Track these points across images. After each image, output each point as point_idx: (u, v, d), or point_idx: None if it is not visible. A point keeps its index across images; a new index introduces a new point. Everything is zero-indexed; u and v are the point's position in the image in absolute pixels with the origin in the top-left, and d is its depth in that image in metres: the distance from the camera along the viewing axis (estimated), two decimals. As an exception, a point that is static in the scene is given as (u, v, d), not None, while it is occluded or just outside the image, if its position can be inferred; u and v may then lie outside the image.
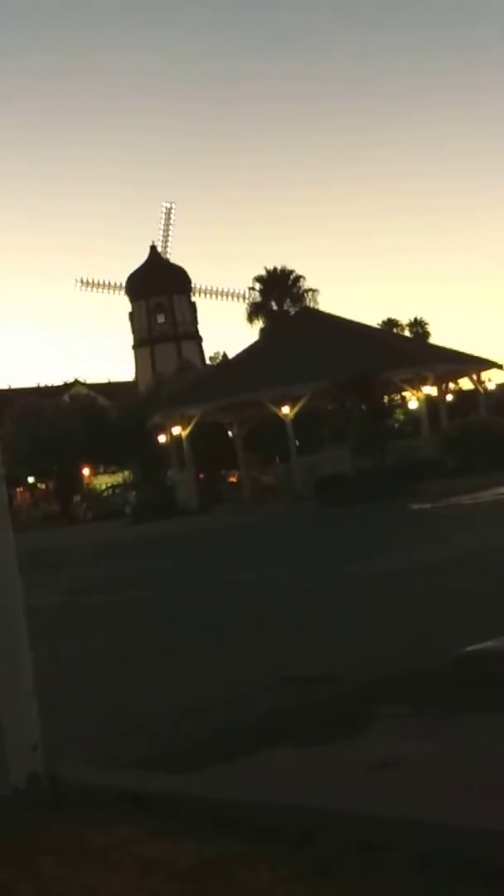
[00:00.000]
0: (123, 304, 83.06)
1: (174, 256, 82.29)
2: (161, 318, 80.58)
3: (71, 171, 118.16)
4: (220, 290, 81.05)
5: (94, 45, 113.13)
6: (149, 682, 6.88)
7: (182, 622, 9.75)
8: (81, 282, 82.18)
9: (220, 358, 69.92)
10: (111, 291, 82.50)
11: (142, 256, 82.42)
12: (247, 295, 63.69)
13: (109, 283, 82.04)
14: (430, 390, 37.62)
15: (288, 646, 7.47)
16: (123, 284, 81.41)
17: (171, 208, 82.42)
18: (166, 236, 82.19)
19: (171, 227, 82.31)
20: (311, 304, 59.68)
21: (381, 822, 3.21)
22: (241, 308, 65.09)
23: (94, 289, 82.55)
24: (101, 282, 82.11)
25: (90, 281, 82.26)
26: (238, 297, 76.49)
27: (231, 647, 7.75)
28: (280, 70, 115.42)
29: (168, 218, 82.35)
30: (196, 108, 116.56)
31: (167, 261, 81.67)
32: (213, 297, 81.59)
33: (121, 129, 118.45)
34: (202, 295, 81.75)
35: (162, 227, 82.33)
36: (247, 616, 9.36)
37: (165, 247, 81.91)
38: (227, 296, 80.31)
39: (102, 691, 6.80)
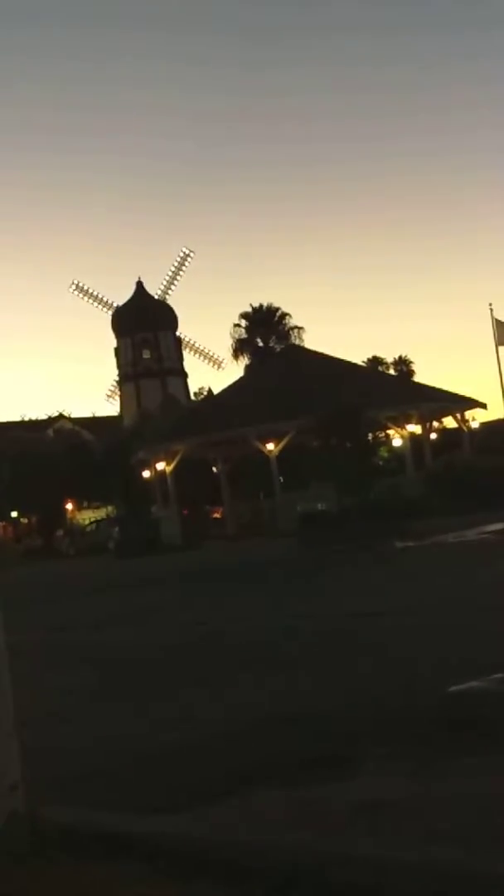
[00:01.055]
0: (109, 338, 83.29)
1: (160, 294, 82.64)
2: (146, 354, 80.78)
3: (61, 200, 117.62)
4: (203, 349, 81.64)
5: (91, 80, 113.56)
6: (132, 720, 6.82)
7: (166, 660, 9.68)
8: (77, 286, 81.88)
9: (206, 394, 70.02)
10: (101, 307, 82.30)
11: (128, 289, 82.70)
12: (232, 332, 63.85)
13: (101, 299, 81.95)
14: (415, 428, 37.74)
15: (271, 686, 7.42)
16: (112, 306, 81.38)
17: (187, 255, 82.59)
18: (172, 280, 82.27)
19: (180, 274, 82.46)
20: (297, 342, 59.89)
21: (367, 862, 3.18)
22: (228, 345, 65.19)
23: (87, 298, 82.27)
24: (94, 294, 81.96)
25: (84, 289, 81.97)
26: (214, 362, 77.50)
27: (214, 687, 7.70)
28: (270, 105, 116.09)
29: (181, 264, 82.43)
30: (185, 144, 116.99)
31: (153, 298, 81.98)
32: (197, 354, 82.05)
33: (116, 158, 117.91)
34: (191, 351, 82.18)
35: (171, 270, 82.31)
36: (229, 656, 9.31)
37: (168, 289, 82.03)
38: (206, 357, 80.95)
39: (84, 730, 6.73)
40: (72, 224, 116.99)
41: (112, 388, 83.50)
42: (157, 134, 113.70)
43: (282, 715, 6.18)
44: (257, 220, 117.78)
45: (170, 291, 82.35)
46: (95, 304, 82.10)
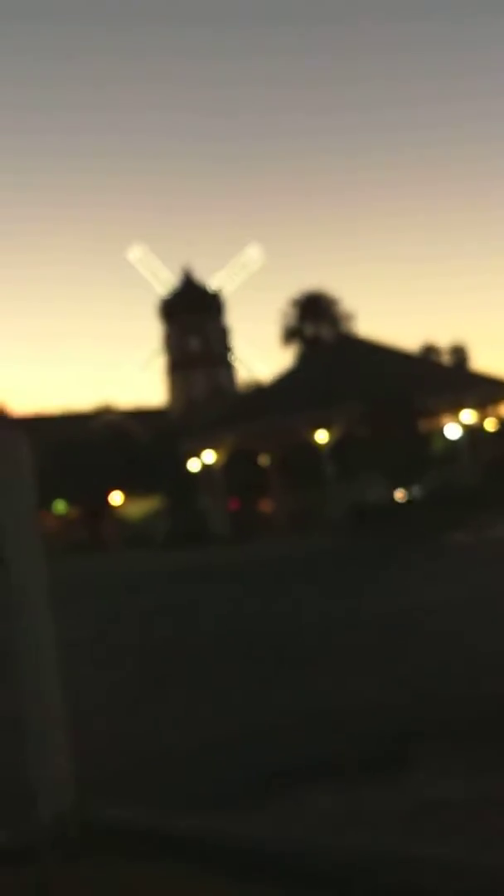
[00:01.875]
0: (157, 325, 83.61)
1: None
2: (195, 343, 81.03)
3: (113, 175, 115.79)
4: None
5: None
6: (177, 716, 6.82)
7: (217, 653, 9.67)
8: (139, 255, 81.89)
9: (255, 383, 70.02)
10: (157, 282, 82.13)
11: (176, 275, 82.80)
12: (282, 319, 63.77)
13: (158, 273, 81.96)
14: (470, 417, 37.40)
15: (321, 681, 7.38)
16: (167, 284, 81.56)
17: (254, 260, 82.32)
18: (230, 276, 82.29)
19: (240, 273, 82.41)
20: (348, 329, 59.65)
21: (425, 864, 3.14)
22: (277, 332, 65.13)
23: (146, 269, 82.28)
24: (153, 266, 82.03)
25: (145, 259, 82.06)
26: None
27: (261, 682, 7.67)
28: (327, 79, 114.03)
29: (246, 266, 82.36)
30: (222, 122, 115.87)
31: (202, 284, 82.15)
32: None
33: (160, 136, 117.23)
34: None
35: (236, 268, 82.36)
36: (275, 652, 9.27)
37: (223, 283, 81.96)
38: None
39: (129, 726, 6.74)
40: (124, 201, 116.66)
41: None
42: (211, 110, 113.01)
43: (337, 710, 6.14)
44: (311, 204, 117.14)
45: (224, 285, 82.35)
46: (153, 277, 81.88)
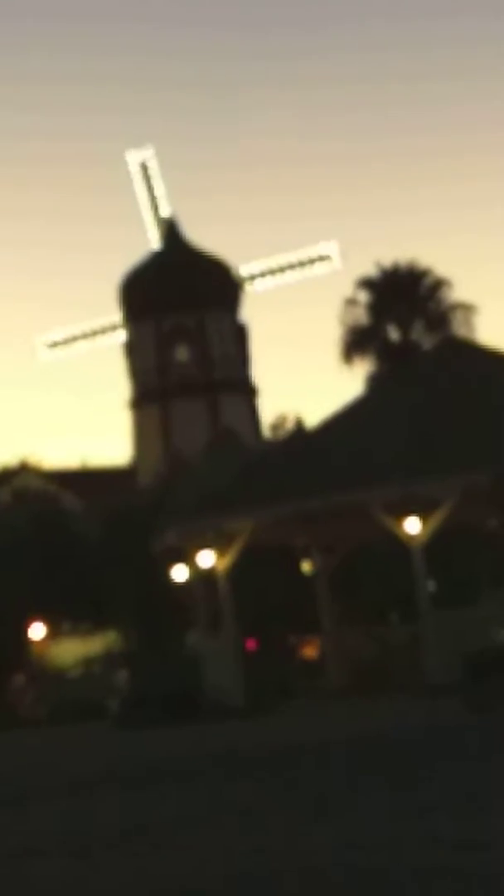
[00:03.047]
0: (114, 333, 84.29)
1: (209, 241, 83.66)
2: (183, 354, 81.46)
3: None
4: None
5: None
6: None
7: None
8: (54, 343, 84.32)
9: (291, 426, 70.26)
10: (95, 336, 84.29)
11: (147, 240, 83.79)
12: (343, 314, 64.06)
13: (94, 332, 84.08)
14: None
15: None
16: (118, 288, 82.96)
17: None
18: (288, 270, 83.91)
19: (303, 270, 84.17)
20: (463, 332, 59.96)
21: None
22: (333, 337, 65.35)
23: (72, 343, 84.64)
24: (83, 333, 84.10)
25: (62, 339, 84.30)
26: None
27: None
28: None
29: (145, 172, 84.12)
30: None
31: (197, 250, 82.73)
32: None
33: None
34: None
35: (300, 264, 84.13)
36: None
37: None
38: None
39: None
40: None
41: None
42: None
43: None
44: (390, 138, 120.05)
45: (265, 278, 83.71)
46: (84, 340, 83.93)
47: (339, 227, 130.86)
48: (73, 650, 60.48)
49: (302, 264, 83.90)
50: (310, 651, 45.72)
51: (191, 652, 42.70)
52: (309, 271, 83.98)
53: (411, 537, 35.57)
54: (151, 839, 14.41)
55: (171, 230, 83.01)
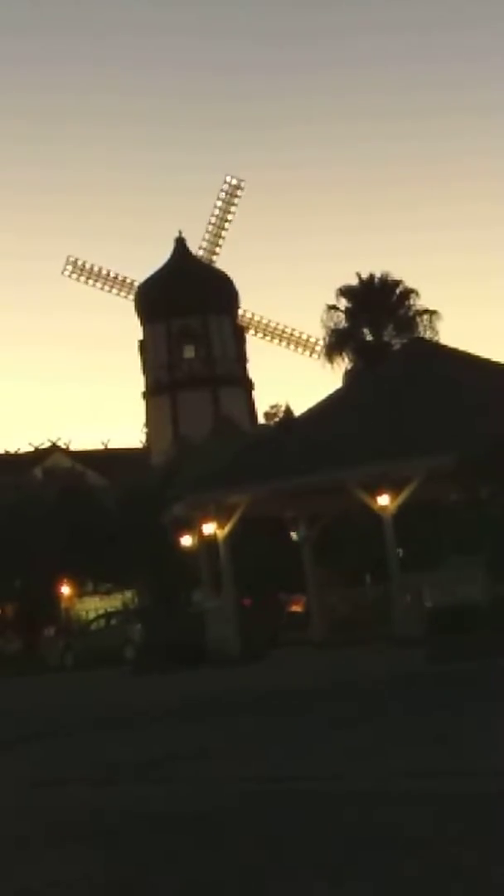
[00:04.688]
0: (131, 331, 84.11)
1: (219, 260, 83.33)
2: (190, 352, 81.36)
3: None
4: (280, 328, 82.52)
5: None
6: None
7: (205, 839, 9.70)
8: (73, 265, 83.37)
9: (281, 415, 70.22)
10: (117, 290, 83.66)
11: (162, 254, 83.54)
12: (325, 318, 63.89)
13: (115, 278, 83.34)
14: None
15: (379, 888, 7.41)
16: (132, 287, 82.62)
17: (236, 187, 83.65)
18: (219, 227, 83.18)
19: (229, 216, 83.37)
20: (428, 334, 59.82)
21: None
22: (317, 336, 65.25)
23: (91, 279, 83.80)
24: (103, 272, 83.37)
25: (85, 267, 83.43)
26: (304, 345, 78.37)
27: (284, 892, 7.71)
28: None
29: (230, 200, 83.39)
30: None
31: (202, 262, 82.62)
32: (272, 337, 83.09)
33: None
34: (256, 331, 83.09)
35: (216, 213, 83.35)
36: (307, 841, 9.31)
37: (213, 247, 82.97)
38: (289, 340, 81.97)
39: None
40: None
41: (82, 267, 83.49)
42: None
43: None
44: (366, 161, 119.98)
45: (217, 248, 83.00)
46: (105, 286, 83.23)
47: (326, 243, 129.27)
48: (95, 606, 60.54)
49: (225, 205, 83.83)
50: (297, 607, 45.73)
51: (196, 608, 42.70)
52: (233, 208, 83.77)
53: (383, 510, 35.61)
54: (165, 770, 14.34)
55: (180, 247, 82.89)
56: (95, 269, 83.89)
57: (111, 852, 9.63)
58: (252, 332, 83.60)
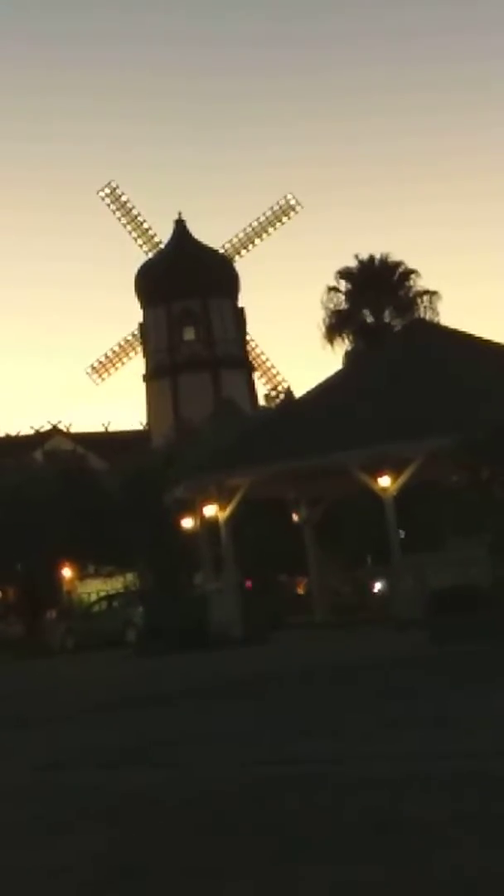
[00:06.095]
0: (131, 314, 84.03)
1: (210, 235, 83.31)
2: (190, 334, 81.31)
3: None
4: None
5: None
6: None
7: (208, 820, 9.69)
8: (111, 192, 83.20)
9: (282, 397, 70.19)
10: (137, 236, 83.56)
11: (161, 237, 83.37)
12: (326, 300, 63.86)
13: (142, 223, 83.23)
14: None
15: (389, 874, 7.38)
16: (156, 244, 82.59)
17: (292, 207, 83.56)
18: (255, 236, 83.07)
19: (268, 230, 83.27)
20: (428, 315, 59.83)
21: None
22: (316, 320, 65.17)
23: (121, 213, 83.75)
24: (134, 211, 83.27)
25: (121, 199, 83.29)
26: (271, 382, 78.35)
27: (288, 872, 7.68)
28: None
29: (280, 217, 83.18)
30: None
31: (201, 245, 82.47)
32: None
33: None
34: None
35: (262, 222, 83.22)
36: (313, 820, 9.29)
37: (240, 249, 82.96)
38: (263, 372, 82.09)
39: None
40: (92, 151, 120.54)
41: (100, 363, 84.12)
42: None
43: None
44: (365, 140, 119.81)
45: (244, 251, 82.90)
46: (130, 226, 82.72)
47: (325, 223, 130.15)
48: (97, 589, 60.65)
49: (271, 221, 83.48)
50: (299, 589, 45.78)
51: (198, 590, 42.74)
52: (279, 225, 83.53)
53: (384, 491, 35.64)
54: (168, 752, 14.33)
55: (179, 228, 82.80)
56: (129, 204, 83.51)
57: (113, 834, 9.63)
58: (238, 256, 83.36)
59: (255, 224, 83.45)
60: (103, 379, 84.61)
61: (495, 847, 7.63)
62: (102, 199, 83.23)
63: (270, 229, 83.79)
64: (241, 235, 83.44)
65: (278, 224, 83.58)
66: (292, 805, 10.10)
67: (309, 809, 9.78)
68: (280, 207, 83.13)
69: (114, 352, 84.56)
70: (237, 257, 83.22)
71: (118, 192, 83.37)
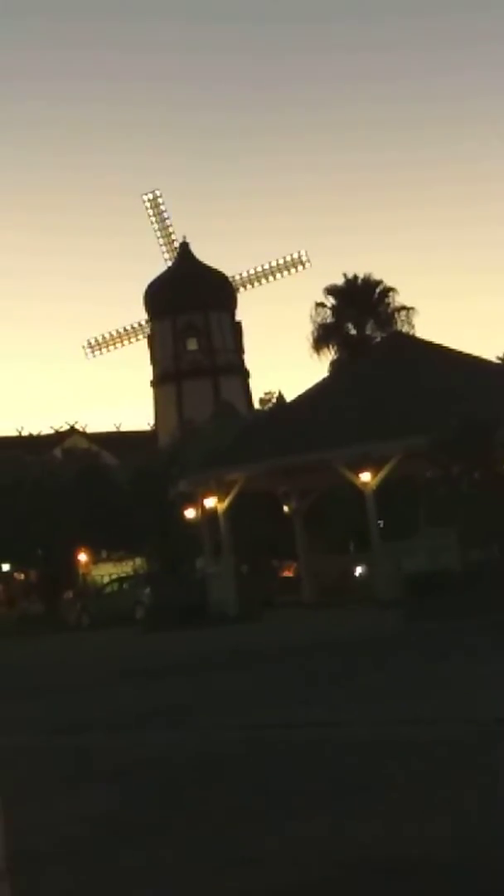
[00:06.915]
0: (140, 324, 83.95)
1: (210, 258, 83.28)
2: (193, 345, 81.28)
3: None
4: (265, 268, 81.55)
5: None
6: (171, 878, 6.94)
7: (214, 779, 9.78)
8: (153, 200, 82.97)
9: (275, 401, 70.17)
10: (130, 340, 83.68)
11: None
12: (314, 314, 63.88)
13: (126, 331, 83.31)
14: None
15: (363, 825, 7.51)
16: (173, 244, 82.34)
17: (156, 199, 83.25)
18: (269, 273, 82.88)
19: (160, 221, 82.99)
20: (405, 328, 59.81)
21: None
22: (305, 332, 65.25)
23: (110, 347, 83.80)
24: (117, 333, 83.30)
25: (160, 206, 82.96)
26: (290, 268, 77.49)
27: (275, 822, 7.79)
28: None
29: (294, 265, 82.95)
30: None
31: (202, 264, 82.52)
32: (264, 279, 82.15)
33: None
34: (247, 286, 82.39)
35: (152, 220, 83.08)
36: (302, 780, 9.40)
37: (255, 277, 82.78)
38: (278, 270, 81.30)
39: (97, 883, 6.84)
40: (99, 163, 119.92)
41: (97, 341, 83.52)
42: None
43: (377, 864, 6.27)
44: (352, 170, 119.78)
45: (249, 286, 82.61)
46: (161, 236, 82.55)
47: (314, 245, 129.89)
48: (109, 572, 60.62)
49: (280, 268, 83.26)
50: (288, 572, 45.76)
51: (199, 573, 42.75)
52: (286, 273, 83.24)
53: (365, 485, 35.70)
54: (176, 717, 14.41)
55: (183, 249, 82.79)
56: (166, 213, 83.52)
57: (126, 790, 9.73)
58: (243, 288, 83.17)
59: (265, 266, 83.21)
60: (95, 356, 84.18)
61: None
62: (144, 202, 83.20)
63: (278, 275, 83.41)
64: (250, 272, 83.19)
65: (286, 273, 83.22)
66: (289, 763, 10.20)
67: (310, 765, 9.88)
68: (292, 259, 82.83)
69: (111, 335, 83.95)
70: (242, 290, 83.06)
71: (160, 199, 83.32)
